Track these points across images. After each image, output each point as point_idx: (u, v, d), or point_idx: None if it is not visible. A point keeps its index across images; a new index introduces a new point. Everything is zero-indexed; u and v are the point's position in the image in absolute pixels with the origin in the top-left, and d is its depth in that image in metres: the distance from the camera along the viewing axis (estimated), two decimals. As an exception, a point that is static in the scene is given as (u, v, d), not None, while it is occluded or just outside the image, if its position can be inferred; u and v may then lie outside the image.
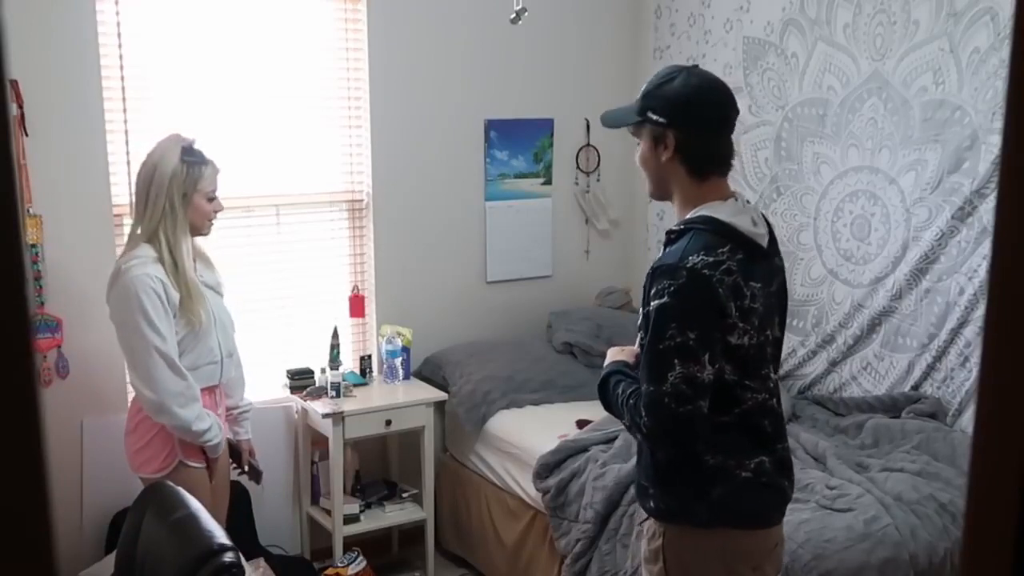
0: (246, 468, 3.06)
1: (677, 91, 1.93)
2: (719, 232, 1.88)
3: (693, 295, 1.82)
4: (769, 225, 2.02)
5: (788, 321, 2.19)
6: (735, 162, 2.02)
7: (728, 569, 1.97)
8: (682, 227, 1.93)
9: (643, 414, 1.85)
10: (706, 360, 1.81)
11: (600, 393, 2.06)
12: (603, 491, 3.02)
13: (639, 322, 1.96)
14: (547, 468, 3.26)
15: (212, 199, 2.77)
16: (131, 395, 3.37)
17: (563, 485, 3.20)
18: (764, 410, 1.95)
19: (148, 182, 2.67)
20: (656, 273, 1.88)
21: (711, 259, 1.83)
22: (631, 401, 1.91)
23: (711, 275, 1.82)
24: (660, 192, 2.03)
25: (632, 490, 2.97)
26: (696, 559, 1.97)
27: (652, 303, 1.86)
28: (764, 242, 1.93)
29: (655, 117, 1.94)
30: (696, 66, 2.06)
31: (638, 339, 1.98)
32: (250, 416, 3.06)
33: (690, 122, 1.92)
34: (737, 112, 1.98)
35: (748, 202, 2.02)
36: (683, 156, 1.93)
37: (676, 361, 1.81)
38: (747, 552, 1.99)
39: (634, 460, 3.03)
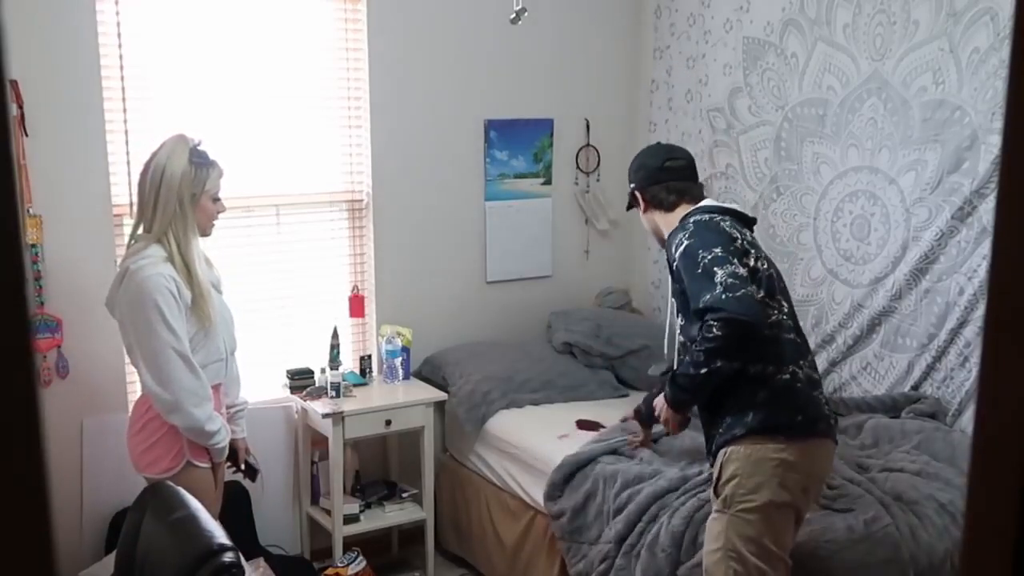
0: (242, 467, 3.06)
1: (634, 161, 2.66)
2: (706, 210, 2.45)
3: (706, 230, 2.33)
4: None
5: None
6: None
7: (780, 481, 2.24)
8: (679, 224, 2.45)
9: (710, 324, 2.19)
10: (737, 263, 2.24)
11: (673, 387, 2.37)
12: (637, 505, 2.94)
13: (671, 285, 2.47)
14: (557, 488, 3.18)
15: (217, 200, 2.77)
16: (132, 395, 3.38)
17: (579, 508, 3.10)
18: (786, 328, 2.34)
19: (157, 182, 2.66)
20: (670, 237, 2.43)
21: (706, 217, 2.40)
22: (695, 345, 2.25)
23: (711, 219, 2.37)
24: (656, 236, 2.62)
25: (653, 508, 2.92)
26: (751, 469, 2.25)
27: (675, 253, 2.34)
28: (747, 212, 2.53)
29: (631, 186, 2.63)
30: (659, 142, 2.87)
31: (671, 290, 2.48)
32: (245, 414, 3.06)
33: (643, 177, 2.58)
34: (682, 159, 2.59)
35: None
36: (654, 203, 2.57)
37: (716, 269, 2.22)
38: (794, 467, 2.25)
39: (673, 471, 2.96)
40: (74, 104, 3.25)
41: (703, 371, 2.23)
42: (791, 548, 2.38)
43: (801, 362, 2.33)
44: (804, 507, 2.35)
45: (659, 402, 2.45)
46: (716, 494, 2.33)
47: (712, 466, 2.39)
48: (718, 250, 2.25)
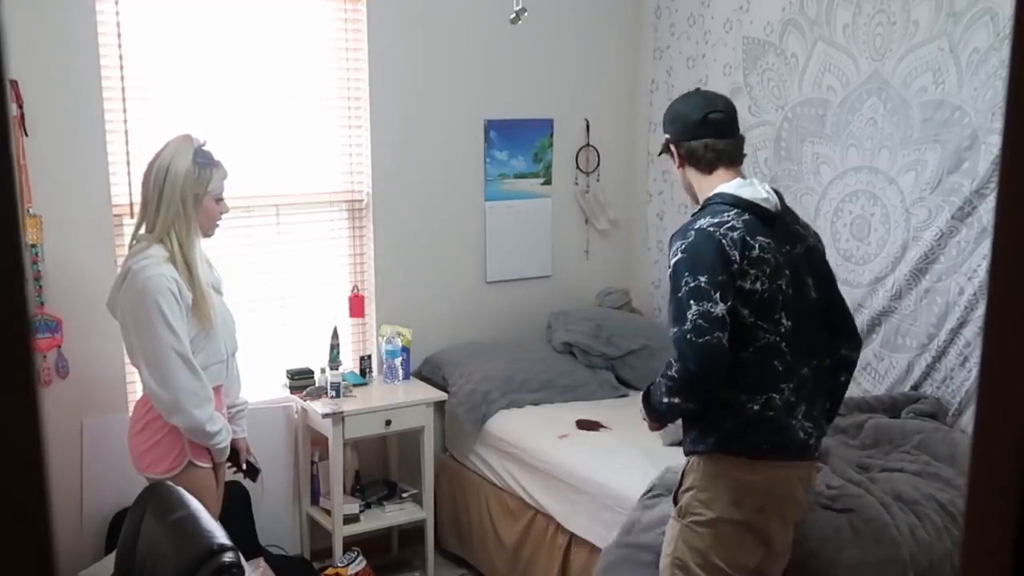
0: (244, 467, 3.06)
1: (670, 109, 2.42)
2: (726, 201, 2.25)
3: (700, 248, 2.16)
4: (785, 202, 2.36)
5: None
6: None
7: (734, 499, 2.23)
8: (700, 207, 2.31)
9: (673, 360, 2.15)
10: (718, 298, 2.12)
11: (644, 403, 2.36)
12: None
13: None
14: None
15: (220, 200, 2.77)
16: (132, 395, 3.38)
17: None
18: (775, 351, 2.22)
19: (160, 182, 2.66)
20: (672, 238, 2.27)
21: (716, 220, 2.20)
22: (663, 372, 2.21)
23: (715, 231, 2.17)
24: (689, 194, 2.42)
25: (662, 505, 2.90)
26: (707, 483, 2.25)
27: (671, 260, 2.22)
28: (771, 207, 2.27)
29: (665, 136, 2.40)
30: (698, 88, 2.52)
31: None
32: (246, 414, 3.06)
33: (680, 130, 2.35)
34: (724, 112, 2.35)
35: (764, 184, 2.35)
36: (690, 160, 2.34)
37: (692, 302, 2.12)
38: (751, 487, 2.23)
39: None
40: (74, 104, 3.25)
41: (664, 401, 2.24)
42: (752, 568, 2.30)
43: (782, 386, 2.22)
44: (765, 527, 2.27)
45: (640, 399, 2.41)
46: (675, 500, 2.34)
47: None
48: (703, 279, 2.12)
